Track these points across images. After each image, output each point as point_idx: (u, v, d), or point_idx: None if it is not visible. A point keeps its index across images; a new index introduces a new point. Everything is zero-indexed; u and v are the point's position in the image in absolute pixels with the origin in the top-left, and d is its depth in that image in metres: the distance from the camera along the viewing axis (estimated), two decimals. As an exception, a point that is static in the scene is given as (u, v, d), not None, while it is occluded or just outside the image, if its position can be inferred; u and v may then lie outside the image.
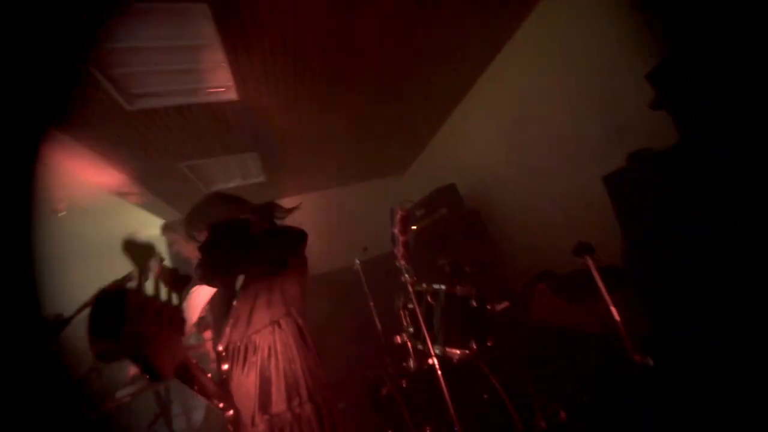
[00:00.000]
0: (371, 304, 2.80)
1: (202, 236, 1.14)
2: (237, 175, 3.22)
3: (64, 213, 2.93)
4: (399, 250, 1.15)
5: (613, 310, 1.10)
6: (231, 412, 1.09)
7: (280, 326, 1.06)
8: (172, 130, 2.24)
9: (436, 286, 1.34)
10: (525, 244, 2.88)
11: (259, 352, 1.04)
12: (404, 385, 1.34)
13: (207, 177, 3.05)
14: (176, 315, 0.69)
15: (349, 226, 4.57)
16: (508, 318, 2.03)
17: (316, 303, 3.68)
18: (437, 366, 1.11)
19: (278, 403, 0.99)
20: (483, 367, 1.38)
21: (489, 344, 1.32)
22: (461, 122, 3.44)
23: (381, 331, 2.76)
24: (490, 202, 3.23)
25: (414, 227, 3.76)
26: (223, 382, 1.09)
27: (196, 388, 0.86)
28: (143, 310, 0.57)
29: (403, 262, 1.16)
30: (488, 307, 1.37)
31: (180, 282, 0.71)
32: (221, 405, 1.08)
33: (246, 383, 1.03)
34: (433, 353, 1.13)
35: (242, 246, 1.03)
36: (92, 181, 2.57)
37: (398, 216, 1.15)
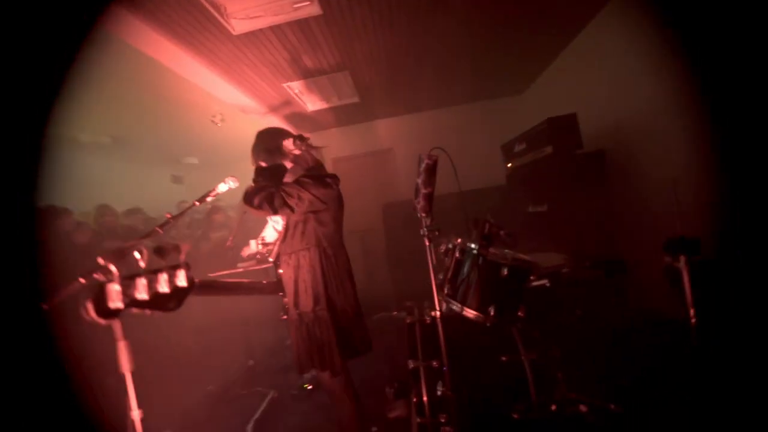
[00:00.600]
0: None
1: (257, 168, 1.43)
2: (333, 94, 3.36)
3: (220, 121, 3.85)
4: (419, 202, 1.09)
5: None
6: (286, 299, 1.48)
7: (309, 252, 1.33)
8: (273, 52, 2.44)
9: (471, 245, 1.24)
10: (658, 209, 2.15)
11: (294, 267, 1.35)
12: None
13: (309, 97, 3.32)
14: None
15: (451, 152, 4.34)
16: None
17: (395, 228, 3.96)
18: (438, 322, 1.13)
19: (306, 305, 1.31)
20: (515, 333, 1.32)
21: (519, 314, 1.22)
22: (597, 33, 2.45)
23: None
24: (622, 147, 2.43)
25: (509, 164, 3.27)
26: (279, 281, 1.49)
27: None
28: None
29: (423, 215, 1.10)
30: (528, 279, 1.21)
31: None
32: (280, 293, 1.49)
33: (288, 285, 1.38)
34: (438, 308, 1.15)
35: (273, 186, 1.29)
36: (226, 101, 3.18)
37: (424, 164, 1.04)
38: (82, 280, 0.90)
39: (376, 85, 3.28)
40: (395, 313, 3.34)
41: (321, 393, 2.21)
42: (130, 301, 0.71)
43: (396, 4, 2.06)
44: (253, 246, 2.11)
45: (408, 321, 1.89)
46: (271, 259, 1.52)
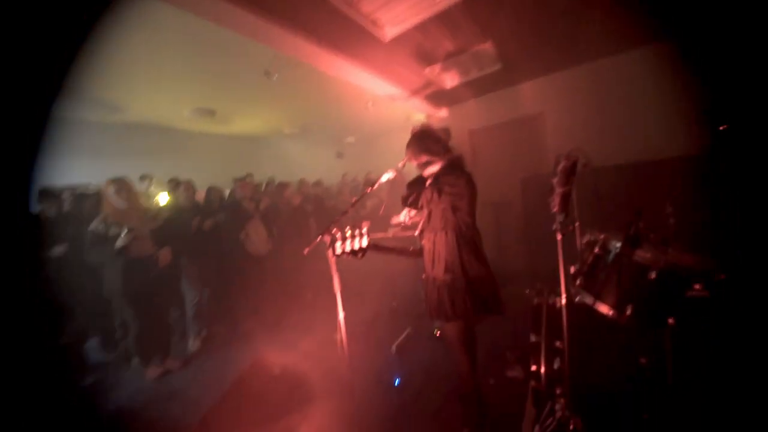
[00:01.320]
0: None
1: (412, 161, 1.75)
2: (473, 67, 3.33)
3: (371, 106, 4.54)
4: (554, 200, 1.14)
5: None
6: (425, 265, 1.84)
7: (446, 234, 1.60)
8: (417, 46, 2.69)
9: (614, 244, 1.19)
10: None
11: (432, 242, 1.66)
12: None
13: (448, 76, 3.43)
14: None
15: (603, 115, 3.57)
16: None
17: (535, 203, 3.72)
18: (564, 313, 1.21)
19: (438, 273, 1.63)
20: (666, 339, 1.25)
21: (669, 321, 1.13)
22: None
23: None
24: None
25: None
26: (420, 250, 1.83)
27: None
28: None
29: (556, 209, 1.15)
30: (688, 286, 1.06)
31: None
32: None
33: (426, 256, 1.72)
34: (563, 297, 1.22)
35: (421, 183, 1.59)
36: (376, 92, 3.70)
37: (561, 166, 1.08)
38: (325, 237, 1.53)
39: (522, 48, 3.01)
40: (527, 291, 3.33)
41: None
42: (341, 252, 1.46)
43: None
44: (402, 216, 2.63)
45: (535, 302, 1.97)
46: (416, 233, 1.87)
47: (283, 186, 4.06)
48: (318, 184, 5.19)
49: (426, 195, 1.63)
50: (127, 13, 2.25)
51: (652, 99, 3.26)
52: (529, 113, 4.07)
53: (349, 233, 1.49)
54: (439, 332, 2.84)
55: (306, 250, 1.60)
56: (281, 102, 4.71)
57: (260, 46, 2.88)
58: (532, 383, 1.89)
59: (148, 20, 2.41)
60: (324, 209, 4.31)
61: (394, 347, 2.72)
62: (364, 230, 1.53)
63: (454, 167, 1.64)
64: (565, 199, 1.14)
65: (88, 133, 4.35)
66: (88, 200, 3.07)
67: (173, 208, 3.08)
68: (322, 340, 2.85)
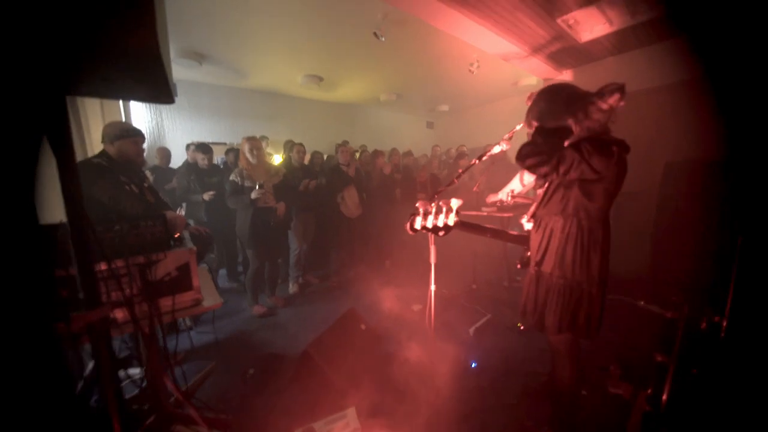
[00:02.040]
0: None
1: (532, 128, 1.44)
2: (624, 13, 2.58)
3: (476, 68, 4.09)
4: None
5: None
6: (528, 253, 1.63)
7: (564, 220, 1.33)
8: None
9: None
10: None
11: (543, 229, 1.42)
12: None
13: (588, 25, 2.75)
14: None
15: None
16: None
17: (675, 197, 2.89)
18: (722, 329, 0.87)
19: (546, 267, 1.39)
20: None
21: None
22: None
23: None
24: None
25: None
26: (525, 236, 1.60)
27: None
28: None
29: None
30: None
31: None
32: (525, 247, 1.66)
33: (533, 244, 1.49)
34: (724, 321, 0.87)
35: (549, 150, 1.26)
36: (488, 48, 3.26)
37: None
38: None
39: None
40: (642, 303, 2.74)
41: (531, 337, 2.42)
42: (423, 227, 1.38)
43: None
44: (501, 195, 2.37)
45: (669, 316, 1.55)
46: (527, 216, 1.60)
47: (376, 154, 4.14)
48: (408, 154, 5.13)
49: (561, 160, 1.24)
50: None
51: None
52: (686, 77, 3.04)
53: (434, 209, 1.36)
54: (522, 326, 2.60)
55: (408, 228, 1.48)
56: (383, 67, 4.65)
57: (371, 6, 2.81)
58: (645, 407, 1.58)
59: None
60: (411, 180, 4.27)
61: (472, 330, 2.61)
62: (454, 206, 1.39)
63: (602, 140, 1.23)
64: None
65: (221, 96, 5.17)
66: (231, 154, 3.74)
67: (287, 167, 3.47)
68: (401, 309, 2.94)
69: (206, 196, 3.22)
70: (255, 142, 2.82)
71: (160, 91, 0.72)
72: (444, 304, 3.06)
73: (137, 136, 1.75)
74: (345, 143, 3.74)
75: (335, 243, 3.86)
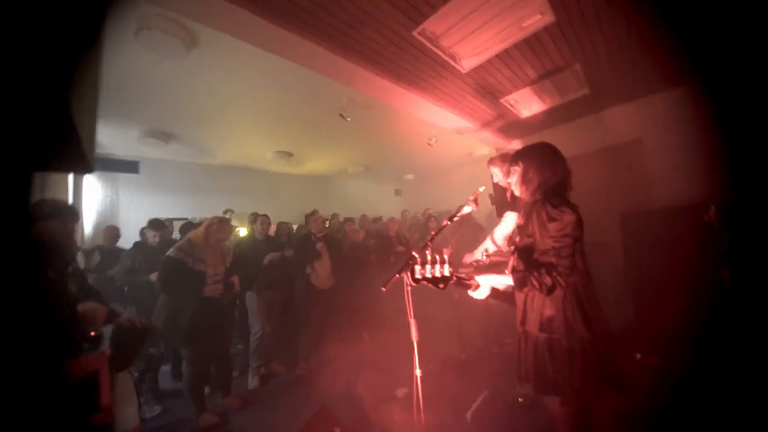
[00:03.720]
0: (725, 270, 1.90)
1: (516, 171, 1.43)
2: (555, 94, 3.06)
3: (434, 143, 4.47)
4: None
5: None
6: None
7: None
8: (495, 75, 2.57)
9: None
10: None
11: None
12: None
13: (526, 104, 3.21)
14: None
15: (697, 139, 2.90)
16: None
17: (638, 244, 3.07)
18: None
19: (532, 326, 1.28)
20: None
21: None
22: None
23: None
24: None
25: None
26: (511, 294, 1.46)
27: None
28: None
29: None
30: None
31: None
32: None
33: (518, 302, 1.38)
34: None
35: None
36: (444, 124, 3.64)
37: None
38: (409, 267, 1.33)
39: (616, 69, 2.68)
40: (638, 356, 2.64)
41: (534, 410, 2.10)
42: (421, 278, 1.25)
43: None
44: (477, 255, 2.31)
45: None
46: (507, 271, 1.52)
47: (346, 221, 4.10)
48: (377, 219, 5.15)
49: (526, 221, 1.30)
50: (213, 58, 2.47)
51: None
52: (621, 141, 3.55)
53: (429, 258, 1.28)
54: (522, 399, 2.29)
55: (385, 287, 1.39)
56: (349, 143, 4.96)
57: (337, 90, 3.08)
58: None
59: (237, 66, 2.62)
60: (385, 245, 4.18)
61: (468, 415, 2.24)
62: (446, 256, 1.30)
63: (562, 198, 1.28)
64: None
65: (186, 173, 5.09)
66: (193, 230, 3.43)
67: (249, 241, 3.25)
68: (384, 396, 2.51)
69: (153, 276, 2.83)
70: (225, 224, 2.51)
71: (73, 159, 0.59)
72: (432, 385, 2.67)
73: (69, 216, 1.53)
74: (315, 212, 3.66)
75: (304, 321, 3.45)
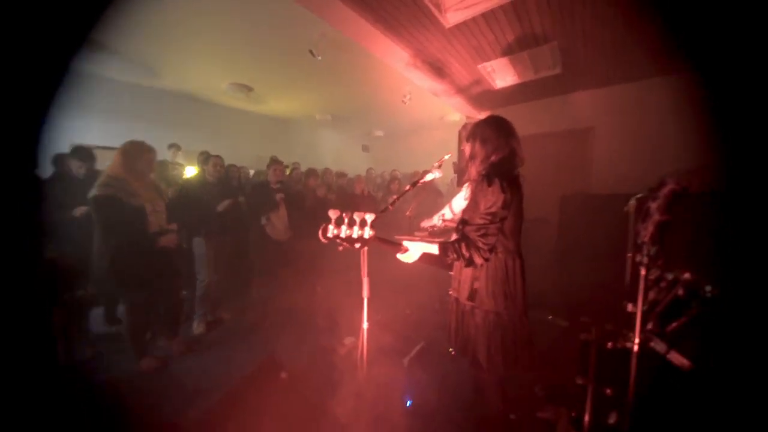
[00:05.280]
0: (628, 255, 2.20)
1: (467, 147, 1.43)
2: (530, 69, 3.04)
3: (408, 100, 4.30)
4: (647, 228, 0.89)
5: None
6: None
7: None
8: (478, 37, 2.44)
9: (707, 289, 0.94)
10: None
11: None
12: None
13: (501, 74, 3.15)
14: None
15: (657, 137, 3.22)
16: None
17: (571, 223, 3.43)
18: (634, 357, 0.96)
19: (463, 296, 1.39)
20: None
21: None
22: None
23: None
24: None
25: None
26: (449, 263, 1.55)
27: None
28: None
29: (646, 240, 0.90)
30: None
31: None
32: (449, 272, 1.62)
33: (455, 272, 1.49)
34: (636, 341, 0.97)
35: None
36: (420, 83, 3.47)
37: (667, 190, 0.84)
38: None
39: (591, 53, 2.71)
40: (550, 317, 3.11)
41: (461, 361, 2.43)
42: (336, 236, 1.20)
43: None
44: (435, 220, 2.40)
45: (583, 338, 1.72)
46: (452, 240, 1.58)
47: (309, 173, 3.91)
48: (342, 175, 5.02)
49: (470, 195, 1.35)
50: None
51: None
52: (579, 126, 3.74)
53: (348, 219, 1.22)
54: (453, 351, 2.62)
55: (320, 235, 1.28)
56: (318, 86, 4.55)
57: (308, 23, 2.70)
58: (570, 429, 1.66)
59: None
60: (346, 201, 4.14)
61: (405, 361, 2.51)
62: (369, 219, 1.23)
63: (504, 175, 1.26)
64: (662, 229, 0.89)
65: (122, 94, 4.33)
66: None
67: (200, 181, 2.96)
68: (332, 344, 2.68)
69: (78, 212, 2.50)
70: (144, 151, 2.16)
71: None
72: (377, 334, 2.90)
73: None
74: (276, 159, 3.41)
75: (257, 270, 3.41)
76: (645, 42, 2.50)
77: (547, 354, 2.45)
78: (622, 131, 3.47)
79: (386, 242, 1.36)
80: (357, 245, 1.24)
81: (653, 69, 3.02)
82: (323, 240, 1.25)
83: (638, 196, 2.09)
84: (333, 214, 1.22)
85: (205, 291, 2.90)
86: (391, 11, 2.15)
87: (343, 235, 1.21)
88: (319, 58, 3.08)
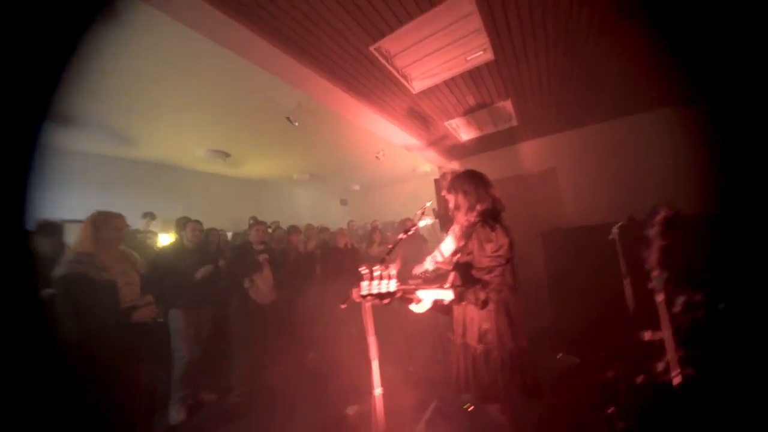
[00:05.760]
0: (626, 281, 2.35)
1: (450, 198, 1.55)
2: (489, 123, 3.45)
3: (381, 156, 4.60)
4: (651, 254, 0.99)
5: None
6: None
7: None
8: (442, 100, 2.80)
9: (721, 306, 1.02)
10: None
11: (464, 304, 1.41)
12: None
13: (465, 129, 3.54)
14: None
15: (614, 172, 3.67)
16: None
17: (557, 258, 3.59)
18: (677, 385, 0.96)
19: (471, 338, 1.39)
20: None
21: None
22: None
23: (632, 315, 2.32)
24: None
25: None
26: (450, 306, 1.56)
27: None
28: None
29: (655, 271, 0.99)
30: None
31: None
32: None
33: (457, 315, 1.49)
34: (677, 368, 0.98)
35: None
36: (392, 139, 3.79)
37: (660, 217, 0.96)
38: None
39: (539, 107, 3.17)
40: (559, 356, 3.01)
41: (482, 414, 2.24)
42: (367, 294, 1.20)
43: (571, 28, 1.97)
44: (426, 264, 2.40)
45: (611, 375, 1.68)
46: (446, 286, 1.60)
47: (291, 230, 3.88)
48: (323, 229, 5.02)
49: (466, 241, 1.41)
50: (142, 34, 2.10)
51: (664, 159, 3.38)
52: (542, 168, 4.17)
53: (378, 273, 1.23)
54: (471, 407, 2.43)
55: (344, 304, 1.33)
56: (295, 149, 4.78)
57: (285, 89, 2.92)
58: None
59: (172, 49, 2.31)
60: (331, 255, 4.08)
61: (420, 426, 2.28)
62: (393, 272, 1.26)
63: (497, 220, 1.40)
64: (665, 253, 0.99)
65: (96, 165, 4.24)
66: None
67: (178, 249, 2.82)
68: (334, 416, 2.40)
69: (45, 293, 2.23)
70: (113, 220, 2.05)
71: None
72: (383, 399, 2.66)
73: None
74: (257, 220, 3.37)
75: (241, 341, 3.11)
76: (585, 99, 3.01)
77: (556, 392, 2.34)
78: (581, 168, 3.92)
79: (405, 295, 1.36)
80: (386, 301, 1.24)
81: (596, 117, 3.58)
82: (357, 300, 1.24)
83: (620, 224, 2.28)
84: (368, 269, 1.22)
85: (185, 369, 2.57)
86: (364, 81, 2.44)
87: (375, 291, 1.20)
88: (296, 124, 3.31)
